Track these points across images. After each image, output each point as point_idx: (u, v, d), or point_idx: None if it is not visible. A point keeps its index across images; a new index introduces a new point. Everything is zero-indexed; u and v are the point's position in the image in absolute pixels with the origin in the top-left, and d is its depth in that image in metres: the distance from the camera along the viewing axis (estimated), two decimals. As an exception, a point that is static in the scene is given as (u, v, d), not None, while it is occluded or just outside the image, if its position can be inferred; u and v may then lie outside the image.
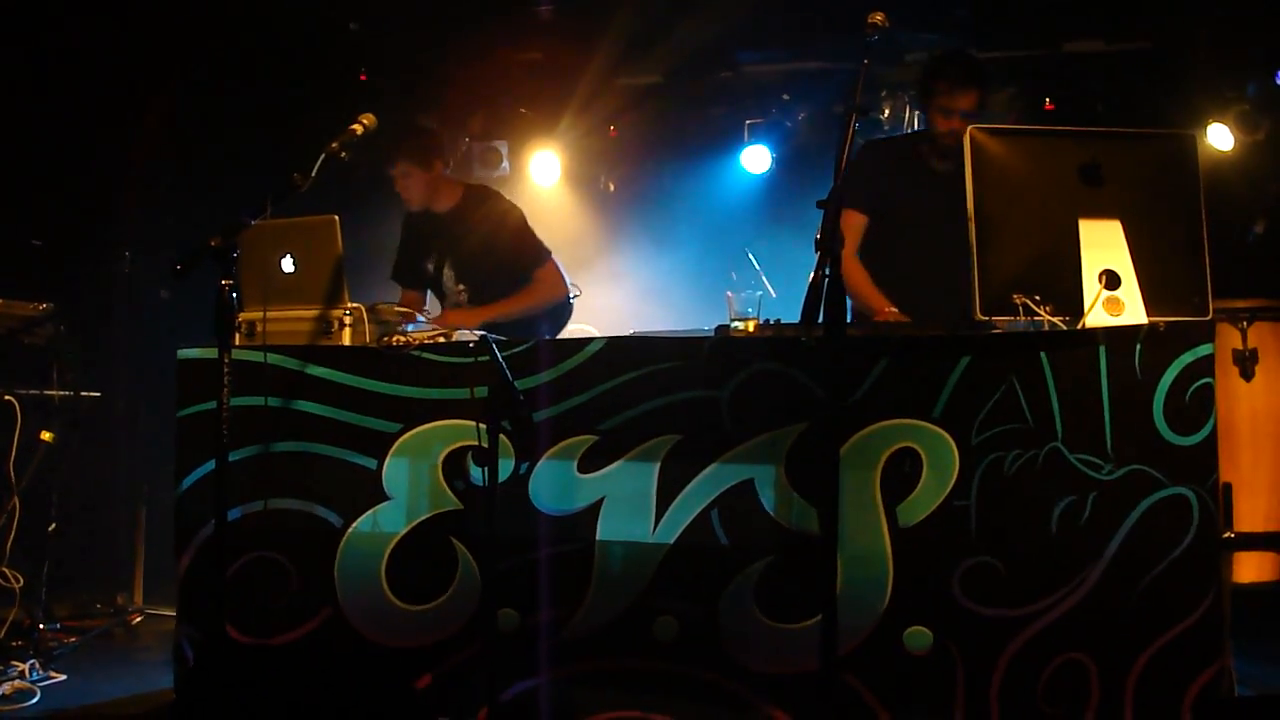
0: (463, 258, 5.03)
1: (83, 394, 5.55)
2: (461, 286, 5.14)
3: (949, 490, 3.37)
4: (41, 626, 5.01)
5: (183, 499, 3.97)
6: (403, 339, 3.86)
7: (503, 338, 4.36)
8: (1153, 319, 3.33)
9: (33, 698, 4.36)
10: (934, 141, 4.61)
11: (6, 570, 5.07)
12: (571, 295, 5.25)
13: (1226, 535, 3.44)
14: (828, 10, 6.43)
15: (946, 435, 3.38)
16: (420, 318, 4.43)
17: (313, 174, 3.68)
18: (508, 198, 5.28)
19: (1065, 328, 3.38)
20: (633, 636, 3.57)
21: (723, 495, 3.53)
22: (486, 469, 3.36)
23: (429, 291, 5.33)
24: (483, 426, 3.40)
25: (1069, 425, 3.31)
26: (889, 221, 4.67)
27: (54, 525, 5.23)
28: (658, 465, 3.58)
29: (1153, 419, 3.26)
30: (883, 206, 4.65)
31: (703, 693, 3.50)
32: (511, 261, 5.08)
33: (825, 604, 2.83)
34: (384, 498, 3.80)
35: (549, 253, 5.08)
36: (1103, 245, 3.39)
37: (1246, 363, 3.62)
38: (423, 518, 3.77)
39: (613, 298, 7.43)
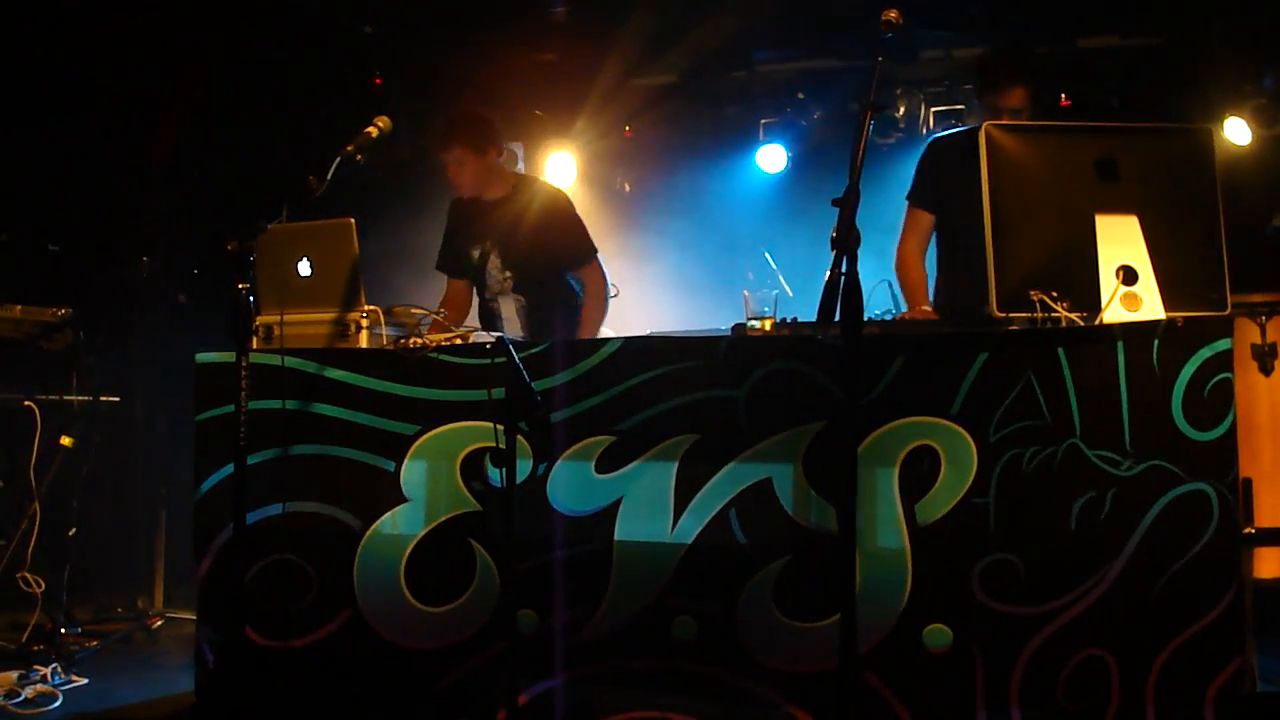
0: (511, 245, 4.95)
1: (101, 399, 5.57)
2: (508, 273, 5.02)
3: (967, 487, 3.35)
4: (63, 630, 5.03)
5: (202, 502, 3.99)
6: (420, 341, 3.87)
7: (519, 339, 4.36)
8: (1170, 314, 3.31)
9: (54, 701, 4.37)
10: None
11: (28, 575, 5.09)
12: (610, 294, 5.20)
13: (1247, 531, 3.42)
14: (842, 8, 6.43)
15: (964, 432, 3.37)
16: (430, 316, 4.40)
17: (328, 177, 3.70)
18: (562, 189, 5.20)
19: (1083, 324, 3.37)
20: (651, 636, 3.57)
21: (741, 494, 3.53)
22: (504, 470, 3.36)
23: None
24: (500, 428, 3.40)
25: (1087, 421, 3.30)
26: (952, 218, 4.66)
27: (74, 529, 5.26)
28: (675, 465, 3.58)
29: (1171, 415, 3.24)
30: (945, 204, 4.64)
31: (722, 692, 3.50)
32: (560, 250, 4.98)
33: (844, 602, 2.83)
34: (402, 500, 3.81)
35: (595, 250, 5.02)
36: (1120, 241, 3.38)
37: (1266, 357, 3.59)
38: (441, 519, 3.78)
39: (629, 298, 7.40)
